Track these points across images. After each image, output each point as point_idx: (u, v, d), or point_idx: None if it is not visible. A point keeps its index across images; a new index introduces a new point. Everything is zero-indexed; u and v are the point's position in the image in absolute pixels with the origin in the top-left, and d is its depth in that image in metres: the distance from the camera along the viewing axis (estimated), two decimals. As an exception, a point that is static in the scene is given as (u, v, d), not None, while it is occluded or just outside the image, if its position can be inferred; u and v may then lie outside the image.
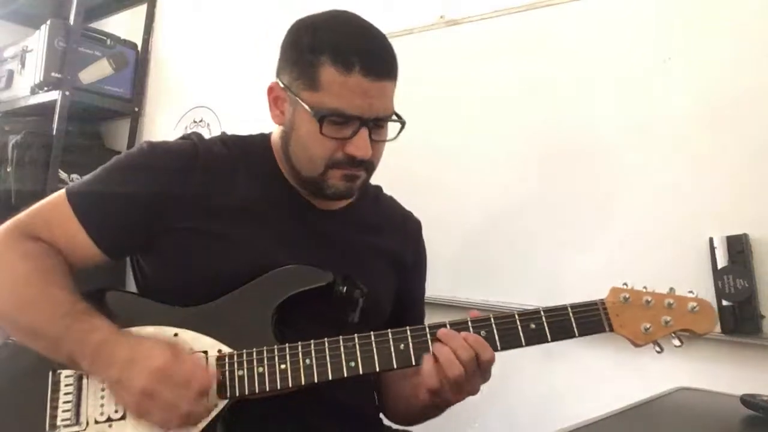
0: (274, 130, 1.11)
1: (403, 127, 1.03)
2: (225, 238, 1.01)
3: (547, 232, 1.54)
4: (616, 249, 1.43)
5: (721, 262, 1.28)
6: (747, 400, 0.92)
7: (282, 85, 1.03)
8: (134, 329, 0.95)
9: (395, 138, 1.04)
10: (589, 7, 1.53)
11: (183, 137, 1.09)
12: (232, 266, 1.00)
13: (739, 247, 1.27)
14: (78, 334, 0.90)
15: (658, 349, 0.94)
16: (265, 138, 1.13)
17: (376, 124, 0.99)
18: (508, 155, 1.63)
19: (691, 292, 0.95)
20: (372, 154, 1.00)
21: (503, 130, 1.64)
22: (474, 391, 0.94)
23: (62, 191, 1.03)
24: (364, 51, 0.97)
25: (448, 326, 0.94)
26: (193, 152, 1.04)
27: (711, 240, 1.30)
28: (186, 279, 1.00)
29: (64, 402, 0.94)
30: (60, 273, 0.97)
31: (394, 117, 1.02)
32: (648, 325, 0.93)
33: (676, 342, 0.93)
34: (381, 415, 1.17)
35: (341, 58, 0.95)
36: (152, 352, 0.89)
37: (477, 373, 0.92)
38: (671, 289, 0.95)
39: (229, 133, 1.15)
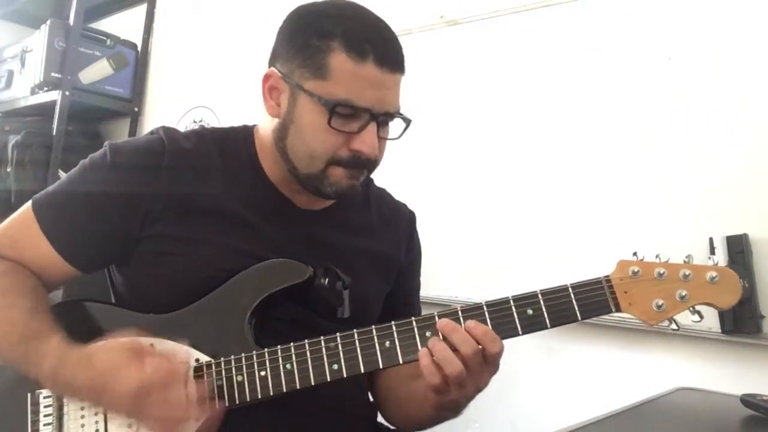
0: (263, 122, 1.03)
1: (407, 126, 0.98)
2: (199, 243, 0.95)
3: (547, 232, 1.54)
4: (617, 249, 1.42)
5: (721, 262, 1.27)
6: (747, 400, 0.92)
7: (280, 74, 0.95)
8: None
9: (399, 137, 0.99)
10: (590, 7, 1.53)
11: (150, 132, 1.02)
12: (208, 273, 0.94)
13: (739, 247, 1.26)
14: (32, 361, 0.86)
15: (674, 327, 0.84)
16: (248, 130, 1.06)
17: (384, 119, 0.94)
18: (507, 155, 1.63)
19: (710, 258, 0.86)
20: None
21: (503, 130, 1.64)
22: (481, 386, 0.87)
23: (29, 203, 0.98)
24: (378, 40, 0.91)
25: (437, 318, 0.86)
26: (159, 148, 0.97)
27: (711, 240, 1.30)
28: (160, 288, 0.96)
29: (45, 425, 0.91)
30: (21, 292, 0.91)
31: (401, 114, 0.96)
32: (661, 302, 0.82)
33: (695, 317, 0.83)
34: (376, 414, 1.12)
35: (355, 45, 0.88)
36: (120, 374, 0.82)
37: (483, 367, 0.84)
38: (688, 257, 0.84)
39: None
